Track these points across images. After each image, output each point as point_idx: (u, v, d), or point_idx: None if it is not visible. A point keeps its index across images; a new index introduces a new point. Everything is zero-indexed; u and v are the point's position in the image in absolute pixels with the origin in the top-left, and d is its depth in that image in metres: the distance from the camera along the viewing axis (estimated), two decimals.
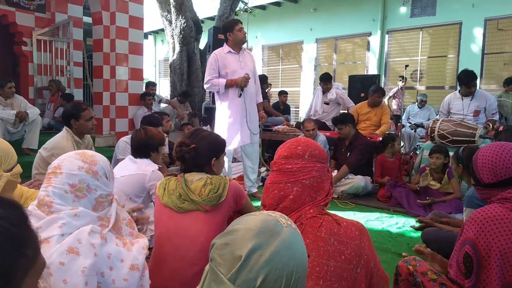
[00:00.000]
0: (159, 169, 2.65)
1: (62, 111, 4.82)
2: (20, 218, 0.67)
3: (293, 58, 13.10)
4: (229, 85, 3.96)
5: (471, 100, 4.57)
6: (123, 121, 6.78)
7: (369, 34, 10.77)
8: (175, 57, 8.35)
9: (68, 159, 1.36)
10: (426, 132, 5.02)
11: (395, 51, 10.66)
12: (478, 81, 7.30)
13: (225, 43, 4.12)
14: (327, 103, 6.09)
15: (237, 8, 9.25)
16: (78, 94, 7.57)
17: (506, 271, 1.34)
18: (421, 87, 10.20)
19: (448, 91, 9.07)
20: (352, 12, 10.92)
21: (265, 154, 4.47)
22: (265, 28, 12.45)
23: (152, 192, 2.46)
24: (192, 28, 8.25)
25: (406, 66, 6.21)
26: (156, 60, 17.33)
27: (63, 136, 3.07)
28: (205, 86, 4.18)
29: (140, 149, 2.64)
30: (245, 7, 10.11)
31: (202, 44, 8.85)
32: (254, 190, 4.31)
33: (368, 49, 10.92)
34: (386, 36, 10.53)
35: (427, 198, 3.83)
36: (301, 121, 6.29)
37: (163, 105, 7.56)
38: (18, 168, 1.75)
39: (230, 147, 4.06)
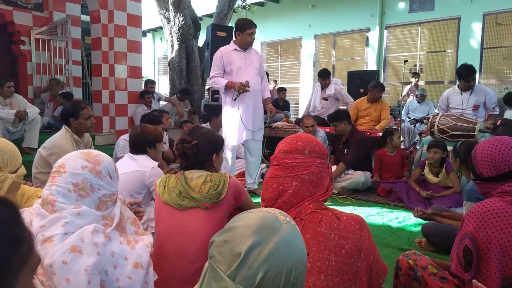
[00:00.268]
0: (159, 166, 2.67)
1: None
2: (12, 215, 0.68)
3: (292, 54, 13.08)
4: (228, 87, 4.01)
5: (470, 95, 4.57)
6: (122, 119, 6.79)
7: (368, 30, 10.75)
8: (173, 54, 8.34)
9: (72, 158, 1.37)
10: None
11: (394, 47, 10.65)
12: (477, 76, 7.31)
13: (232, 41, 4.15)
14: (325, 99, 6.09)
15: (236, 5, 9.23)
16: (77, 93, 7.57)
17: (505, 264, 1.35)
18: (420, 82, 10.19)
19: (447, 86, 9.06)
20: (351, 8, 10.90)
21: (264, 151, 4.48)
22: (263, 24, 12.40)
23: (152, 189, 2.47)
24: (190, 25, 8.24)
25: (405, 61, 6.21)
26: (155, 58, 17.31)
27: (62, 135, 3.07)
28: (209, 82, 4.25)
29: (137, 145, 2.67)
30: (243, 4, 10.08)
31: (201, 41, 8.84)
32: (255, 187, 4.32)
33: (367, 44, 10.90)
34: (385, 31, 10.51)
35: (426, 192, 3.83)
36: (300, 117, 6.29)
37: (162, 103, 7.56)
38: (23, 170, 1.76)
39: (231, 142, 4.09)
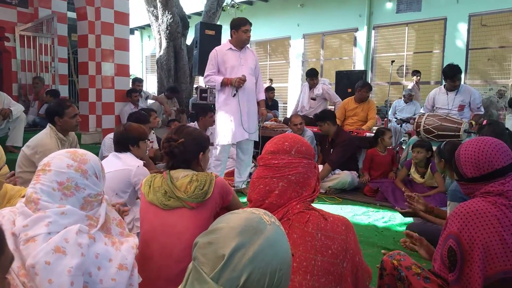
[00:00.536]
0: (147, 166, 2.65)
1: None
2: None
3: (281, 53, 13.10)
4: (225, 83, 4.02)
5: (455, 95, 4.64)
6: (109, 117, 6.71)
7: (356, 29, 10.82)
8: (162, 53, 8.29)
9: (58, 157, 1.35)
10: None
11: (382, 47, 10.74)
12: (463, 76, 7.42)
13: (228, 40, 4.16)
14: (313, 99, 6.11)
15: (224, 4, 9.20)
16: (63, 91, 7.46)
17: (487, 264, 1.37)
18: (407, 83, 10.30)
19: (433, 86, 9.17)
20: (339, 8, 10.96)
21: (253, 150, 4.49)
22: (252, 23, 12.42)
23: (138, 188, 2.46)
24: (178, 23, 8.19)
25: (392, 61, 6.27)
26: (143, 56, 17.17)
27: (46, 133, 3.03)
28: (204, 81, 4.26)
29: (120, 143, 2.66)
30: (232, 2, 10.06)
31: (189, 39, 8.79)
32: (243, 186, 4.33)
33: (355, 44, 10.98)
34: (373, 31, 10.60)
35: (410, 193, 3.86)
36: (288, 117, 6.31)
37: (150, 101, 7.50)
38: (6, 169, 1.73)
39: (224, 141, 4.10)
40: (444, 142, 2.85)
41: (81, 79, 6.80)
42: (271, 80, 11.45)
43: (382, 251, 1.89)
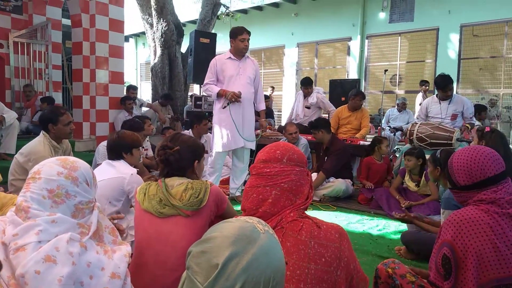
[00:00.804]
0: (141, 174, 2.64)
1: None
2: None
3: (275, 62, 13.18)
4: (220, 94, 4.05)
5: (448, 104, 4.68)
6: (103, 125, 6.69)
7: (349, 39, 10.93)
8: (156, 60, 8.30)
9: (48, 165, 1.34)
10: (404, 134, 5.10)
11: (375, 56, 10.85)
12: (455, 86, 7.49)
13: (228, 49, 4.21)
14: (308, 107, 6.14)
15: (219, 12, 9.25)
16: (57, 98, 7.43)
17: (481, 272, 1.38)
18: (400, 91, 10.39)
19: (426, 95, 9.25)
20: (333, 17, 11.07)
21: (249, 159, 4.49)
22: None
23: (131, 196, 2.44)
24: (173, 31, 8.22)
25: (386, 70, 6.32)
26: (138, 63, 17.18)
27: (40, 141, 3.00)
28: (203, 89, 4.31)
29: (113, 151, 2.65)
30: (227, 11, 10.12)
31: (184, 47, 8.82)
32: (237, 194, 4.32)
33: (349, 53, 11.07)
34: (366, 41, 10.71)
35: (404, 203, 3.87)
36: (283, 125, 6.33)
37: (144, 109, 7.49)
38: None
39: (219, 149, 4.11)
40: (439, 150, 2.86)
41: (75, 86, 6.78)
42: (272, 88, 11.48)
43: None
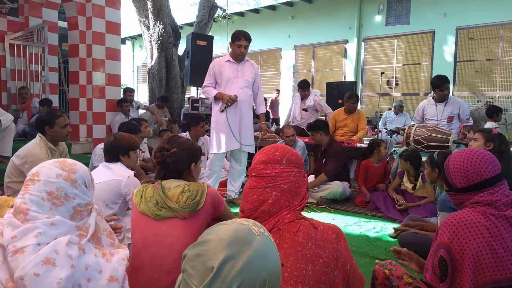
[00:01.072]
0: (138, 176, 2.63)
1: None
2: None
3: (272, 65, 13.21)
4: (217, 97, 4.07)
5: (444, 106, 4.70)
6: (100, 127, 6.67)
7: (346, 41, 10.97)
8: (153, 63, 8.30)
9: (47, 166, 1.33)
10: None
11: (371, 59, 10.89)
12: (451, 88, 7.54)
13: (228, 52, 4.23)
14: (305, 110, 6.15)
15: (216, 15, 9.27)
16: (54, 100, 7.41)
17: (478, 273, 1.38)
18: (396, 94, 10.43)
19: (422, 97, 9.31)
20: (329, 20, 11.12)
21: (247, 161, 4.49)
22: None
23: (128, 198, 2.43)
24: (170, 34, 8.22)
25: (382, 73, 6.35)
26: (134, 66, 17.17)
27: (36, 143, 2.99)
28: (202, 91, 4.32)
29: (110, 153, 2.64)
30: (224, 13, 10.14)
31: (181, 50, 8.82)
32: (235, 196, 4.32)
33: (345, 56, 11.11)
34: (362, 43, 10.75)
35: (400, 203, 3.89)
36: (280, 127, 6.33)
37: (141, 111, 7.48)
38: None
39: (215, 150, 4.14)
40: (437, 152, 2.88)
41: (71, 88, 6.77)
42: (278, 90, 11.49)
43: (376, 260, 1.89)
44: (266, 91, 12.36)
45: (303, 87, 6.13)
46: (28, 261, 1.16)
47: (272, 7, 12.10)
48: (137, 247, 1.73)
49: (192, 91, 10.42)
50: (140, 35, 10.25)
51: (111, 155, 2.63)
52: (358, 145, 5.04)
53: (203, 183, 1.83)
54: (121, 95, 7.20)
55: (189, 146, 1.93)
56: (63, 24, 7.74)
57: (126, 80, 15.51)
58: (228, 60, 4.13)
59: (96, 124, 6.62)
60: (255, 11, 12.44)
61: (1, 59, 6.76)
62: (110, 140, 2.69)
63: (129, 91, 7.40)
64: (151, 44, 8.33)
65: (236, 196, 4.32)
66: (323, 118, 6.29)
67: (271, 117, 10.85)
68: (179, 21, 10.37)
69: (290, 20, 11.90)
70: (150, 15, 8.05)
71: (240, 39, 4.02)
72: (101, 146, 3.94)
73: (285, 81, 12.47)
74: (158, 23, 7.99)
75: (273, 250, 0.84)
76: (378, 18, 10.30)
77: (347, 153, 4.77)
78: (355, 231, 3.51)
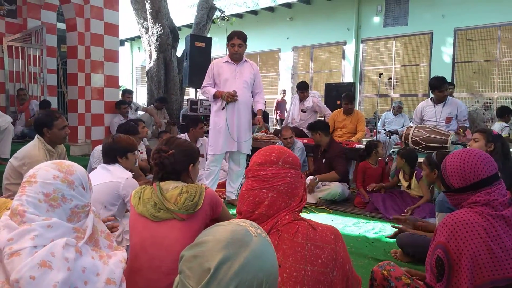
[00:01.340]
0: (136, 177, 2.62)
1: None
2: None
3: (271, 66, 13.21)
4: (216, 96, 4.07)
5: (443, 107, 4.71)
6: (99, 129, 6.67)
7: (344, 43, 10.98)
8: (152, 64, 8.29)
9: (44, 168, 1.33)
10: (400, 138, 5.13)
11: (370, 60, 10.90)
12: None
13: (227, 53, 4.25)
14: (304, 111, 6.16)
15: (214, 16, 9.28)
16: (52, 102, 7.40)
17: (475, 274, 1.38)
18: (395, 95, 10.45)
19: (421, 98, 9.33)
20: (328, 22, 11.13)
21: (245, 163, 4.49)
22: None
23: (127, 200, 2.43)
24: (169, 35, 8.23)
25: (380, 74, 6.36)
26: (133, 67, 17.16)
27: (34, 145, 2.98)
28: (201, 91, 4.35)
29: (108, 155, 2.64)
30: (222, 15, 10.15)
31: (179, 51, 8.82)
32: (233, 197, 4.32)
33: (344, 57, 11.12)
34: (361, 45, 10.77)
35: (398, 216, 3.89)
36: (279, 128, 6.34)
37: (140, 113, 7.48)
38: None
39: (213, 151, 4.15)
40: (434, 153, 2.88)
41: (70, 90, 6.76)
42: (284, 91, 11.45)
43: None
44: (265, 93, 12.38)
45: (302, 88, 6.14)
46: (24, 264, 1.15)
47: (270, 9, 12.12)
48: (136, 249, 1.73)
49: (191, 93, 10.41)
50: (139, 37, 10.25)
51: (109, 157, 2.63)
52: (357, 146, 5.04)
53: (201, 184, 1.83)
54: (120, 97, 7.19)
55: (187, 148, 1.92)
56: (61, 25, 7.73)
57: (125, 81, 15.51)
58: (227, 61, 4.14)
59: (95, 126, 6.62)
60: (254, 12, 12.45)
61: None
62: (108, 141, 2.68)
63: (127, 93, 7.40)
64: (150, 46, 8.34)
65: (235, 197, 4.32)
66: (322, 119, 6.29)
67: (278, 117, 10.84)
68: (178, 22, 10.37)
69: (289, 21, 11.92)
70: (149, 17, 8.06)
71: (233, 38, 4.04)
72: (99, 148, 3.93)
73: (283, 82, 12.48)
74: (157, 24, 7.99)
75: (270, 251, 0.84)
76: (376, 20, 10.31)
77: (346, 154, 4.79)
78: (354, 232, 3.50)
